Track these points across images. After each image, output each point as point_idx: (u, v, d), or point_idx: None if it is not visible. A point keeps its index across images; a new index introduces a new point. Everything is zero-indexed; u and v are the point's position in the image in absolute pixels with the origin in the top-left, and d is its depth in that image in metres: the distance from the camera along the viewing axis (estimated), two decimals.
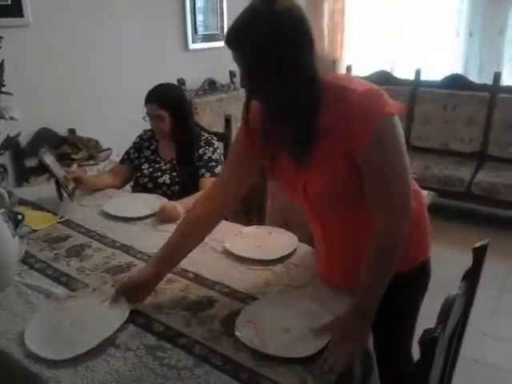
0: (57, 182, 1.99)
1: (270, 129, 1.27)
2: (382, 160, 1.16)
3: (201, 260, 1.57)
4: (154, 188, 2.18)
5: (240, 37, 1.14)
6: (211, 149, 2.20)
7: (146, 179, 2.20)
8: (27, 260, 1.57)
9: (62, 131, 3.04)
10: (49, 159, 2.02)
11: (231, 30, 1.15)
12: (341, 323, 1.18)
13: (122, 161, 2.33)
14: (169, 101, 2.16)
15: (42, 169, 2.10)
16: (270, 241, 1.69)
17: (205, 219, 1.40)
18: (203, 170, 2.16)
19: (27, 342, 1.17)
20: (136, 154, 2.29)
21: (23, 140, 2.79)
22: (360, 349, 1.16)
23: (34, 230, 1.77)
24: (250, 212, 2.20)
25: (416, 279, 1.39)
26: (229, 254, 1.60)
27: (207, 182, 2.13)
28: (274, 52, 1.11)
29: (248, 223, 1.80)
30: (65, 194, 2.00)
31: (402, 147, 1.18)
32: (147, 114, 2.18)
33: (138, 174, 2.23)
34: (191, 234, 1.41)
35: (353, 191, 1.22)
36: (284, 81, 1.15)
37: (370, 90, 1.18)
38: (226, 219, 2.29)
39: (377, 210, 1.19)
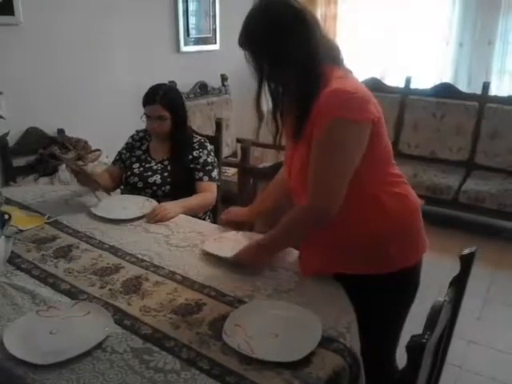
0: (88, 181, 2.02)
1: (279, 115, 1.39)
2: (317, 155, 1.28)
3: (189, 262, 1.56)
4: (144, 188, 2.17)
5: (244, 37, 1.30)
6: (205, 151, 2.20)
7: (137, 178, 2.19)
8: (14, 260, 1.55)
9: (51, 131, 3.02)
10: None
11: (240, 32, 1.31)
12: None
13: (115, 162, 2.32)
14: (172, 102, 2.16)
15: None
16: None
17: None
18: (201, 174, 2.16)
19: (7, 345, 1.15)
20: (127, 154, 2.28)
21: (11, 139, 2.76)
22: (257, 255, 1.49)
23: (21, 230, 1.75)
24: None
25: (400, 284, 1.40)
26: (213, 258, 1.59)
27: (205, 185, 2.15)
28: (274, 45, 1.25)
29: (237, 228, 1.80)
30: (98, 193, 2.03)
31: (342, 153, 1.26)
32: (146, 114, 2.17)
33: (129, 173, 2.22)
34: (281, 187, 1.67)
35: None
36: (287, 70, 1.27)
37: (338, 90, 1.25)
38: (216, 222, 2.29)
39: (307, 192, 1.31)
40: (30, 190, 2.26)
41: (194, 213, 2.04)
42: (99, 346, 1.16)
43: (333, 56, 1.33)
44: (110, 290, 1.41)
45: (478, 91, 3.88)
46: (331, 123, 1.24)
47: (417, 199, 1.44)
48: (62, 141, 2.96)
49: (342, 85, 1.27)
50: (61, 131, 3.04)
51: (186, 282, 1.46)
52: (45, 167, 2.82)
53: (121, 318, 1.28)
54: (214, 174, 2.19)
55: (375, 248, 1.36)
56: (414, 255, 1.42)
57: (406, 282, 1.43)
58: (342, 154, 1.27)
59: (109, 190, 2.16)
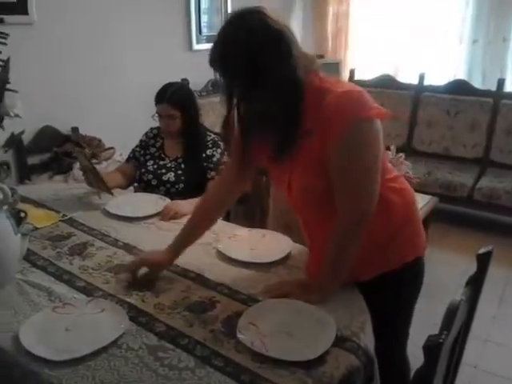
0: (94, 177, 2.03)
1: (250, 138, 1.34)
2: (346, 161, 1.22)
3: (202, 260, 1.57)
4: (158, 185, 2.18)
5: (221, 59, 1.21)
6: (219, 150, 2.20)
7: (151, 175, 2.20)
8: (29, 258, 1.56)
9: (65, 129, 3.04)
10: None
11: (212, 53, 1.21)
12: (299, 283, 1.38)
13: (128, 159, 2.33)
14: (181, 101, 2.16)
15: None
16: (265, 244, 1.68)
17: (215, 203, 1.54)
18: (213, 173, 2.16)
19: (23, 341, 1.16)
20: (141, 152, 2.30)
21: (26, 138, 2.79)
22: (299, 299, 1.30)
23: (37, 228, 1.77)
24: (252, 215, 2.19)
25: (407, 278, 1.40)
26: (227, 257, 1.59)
27: None
28: (255, 68, 1.16)
29: (250, 226, 1.79)
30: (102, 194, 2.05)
31: (370, 153, 1.23)
32: (157, 113, 2.18)
33: (143, 171, 2.23)
34: (203, 218, 1.54)
35: (330, 188, 1.27)
36: (267, 92, 1.20)
37: (348, 91, 1.22)
38: (228, 220, 2.30)
39: (339, 206, 1.26)
40: (44, 188, 2.29)
41: None
42: (114, 342, 1.17)
43: (311, 65, 1.27)
44: (125, 287, 1.42)
45: (493, 88, 3.84)
46: (351, 127, 1.19)
47: (412, 190, 1.45)
48: (76, 139, 2.99)
49: (345, 88, 1.24)
50: (75, 129, 3.07)
51: (200, 279, 1.46)
52: (59, 165, 2.85)
53: (135, 315, 1.29)
54: None
55: (383, 247, 1.35)
56: (416, 246, 1.42)
57: (412, 275, 1.42)
58: (370, 153, 1.23)
59: (123, 187, 2.18)
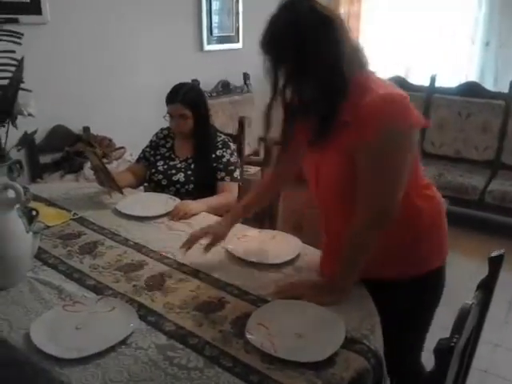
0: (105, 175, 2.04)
1: (294, 122, 1.36)
2: (376, 162, 1.22)
3: (212, 260, 1.57)
4: (168, 185, 2.19)
5: (271, 42, 1.22)
6: (229, 151, 2.21)
7: (161, 176, 2.21)
8: (40, 256, 1.57)
9: (77, 129, 3.07)
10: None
11: (263, 37, 1.23)
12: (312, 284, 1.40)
13: (138, 159, 2.34)
14: (193, 100, 2.18)
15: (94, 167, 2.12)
16: (275, 245, 1.68)
17: (276, 178, 1.63)
18: (223, 174, 2.17)
19: (34, 339, 1.17)
20: (152, 152, 2.31)
21: (38, 137, 2.82)
22: (311, 301, 1.30)
23: (48, 227, 1.78)
24: (262, 217, 2.19)
25: (429, 285, 1.40)
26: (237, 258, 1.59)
27: (227, 186, 2.16)
28: (303, 53, 1.18)
29: (260, 228, 1.79)
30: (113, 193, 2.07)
31: (399, 160, 1.23)
32: (169, 113, 2.19)
33: (153, 171, 2.24)
34: (265, 193, 1.68)
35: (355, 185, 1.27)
36: (313, 77, 1.21)
37: (390, 95, 1.22)
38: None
39: (358, 206, 1.27)
40: (56, 186, 2.31)
41: (215, 212, 2.04)
42: (124, 341, 1.18)
43: (359, 59, 1.28)
44: (135, 286, 1.42)
45: (505, 90, 3.80)
46: (386, 130, 1.19)
47: (441, 199, 1.44)
48: (87, 139, 3.01)
49: (387, 90, 1.23)
50: (86, 129, 3.09)
51: (209, 279, 1.46)
52: (70, 164, 2.87)
53: (145, 314, 1.29)
54: (236, 174, 2.19)
55: (407, 250, 1.35)
56: (441, 255, 1.42)
57: (434, 283, 1.42)
58: (398, 160, 1.23)
59: (134, 187, 2.18)
